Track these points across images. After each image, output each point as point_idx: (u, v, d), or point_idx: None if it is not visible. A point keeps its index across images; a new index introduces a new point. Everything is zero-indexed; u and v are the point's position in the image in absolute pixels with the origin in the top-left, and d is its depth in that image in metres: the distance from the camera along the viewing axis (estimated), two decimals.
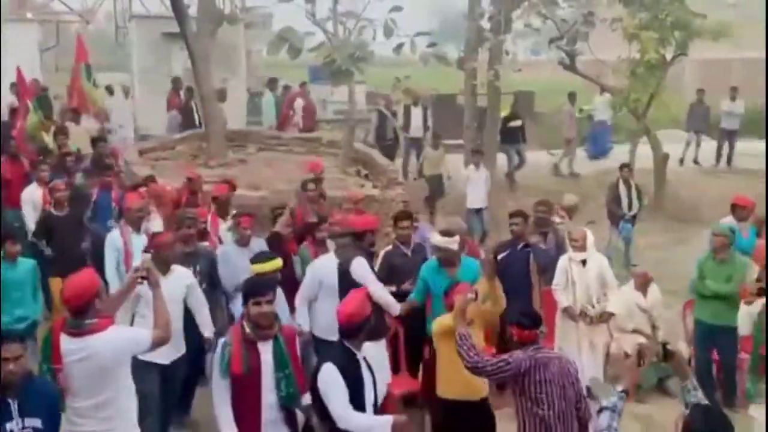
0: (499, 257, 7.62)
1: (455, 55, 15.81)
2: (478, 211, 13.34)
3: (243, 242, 7.49)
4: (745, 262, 7.84)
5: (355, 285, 6.25)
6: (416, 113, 16.30)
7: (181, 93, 17.09)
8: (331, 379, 4.60)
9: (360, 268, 6.70)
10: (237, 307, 6.61)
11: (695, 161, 17.74)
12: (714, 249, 7.78)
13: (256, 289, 5.00)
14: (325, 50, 12.59)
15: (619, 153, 15.62)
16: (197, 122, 15.73)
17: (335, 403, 4.56)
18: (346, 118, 15.09)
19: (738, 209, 9.17)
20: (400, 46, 12.84)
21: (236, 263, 7.20)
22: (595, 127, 18.80)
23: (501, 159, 16.09)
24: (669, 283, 9.42)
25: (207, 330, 6.56)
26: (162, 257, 6.20)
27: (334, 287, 6.73)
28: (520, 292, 7.41)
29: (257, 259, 6.59)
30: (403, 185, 13.36)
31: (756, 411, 6.08)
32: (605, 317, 7.75)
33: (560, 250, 8.26)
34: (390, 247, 7.79)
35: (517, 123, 16.10)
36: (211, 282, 7.22)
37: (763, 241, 9.51)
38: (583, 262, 7.75)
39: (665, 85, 15.39)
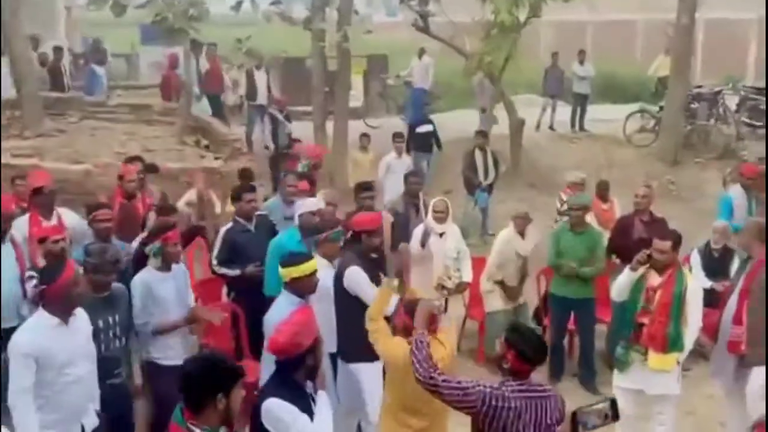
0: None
1: (302, 15, 15.53)
2: None
3: (167, 266, 6.03)
4: (600, 232, 8.23)
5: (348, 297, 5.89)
6: (260, 77, 15.93)
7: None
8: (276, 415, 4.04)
9: (353, 280, 5.88)
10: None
11: (551, 127, 18.29)
12: (572, 224, 7.99)
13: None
14: (155, 7, 12.07)
15: (473, 119, 15.88)
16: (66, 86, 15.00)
17: None
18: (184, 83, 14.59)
19: (745, 179, 9.40)
20: (239, 4, 12.52)
21: (161, 295, 5.92)
22: (415, 93, 18.57)
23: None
24: None
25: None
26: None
27: (330, 295, 6.01)
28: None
29: (292, 260, 5.53)
30: (248, 156, 13.08)
31: (622, 381, 6.26)
32: (462, 288, 7.90)
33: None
34: (230, 224, 7.52)
35: (428, 128, 14.51)
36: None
37: (607, 205, 10.03)
38: (441, 234, 7.85)
39: (520, 49, 15.71)
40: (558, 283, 7.98)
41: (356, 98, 18.67)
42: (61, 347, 4.65)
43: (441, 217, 7.94)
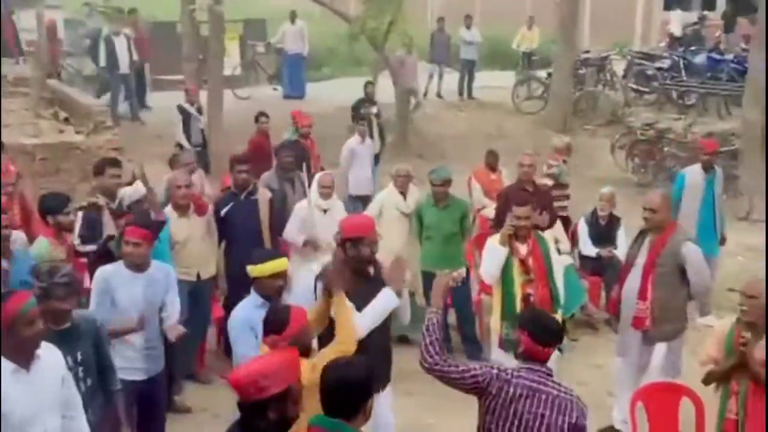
0: (222, 212, 7.37)
1: None
2: (364, 199, 10.64)
3: (137, 264, 5.39)
4: (466, 203, 8.35)
5: None
6: (121, 44, 15.07)
7: None
8: None
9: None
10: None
11: (438, 95, 18.34)
12: (435, 199, 7.95)
13: None
14: None
15: (359, 86, 15.73)
16: None
17: None
18: (35, 51, 13.81)
19: (703, 154, 9.16)
20: None
21: (121, 298, 5.32)
22: (289, 62, 18.25)
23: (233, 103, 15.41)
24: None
25: None
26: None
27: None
28: (253, 249, 7.15)
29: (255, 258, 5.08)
30: (113, 130, 12.49)
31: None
32: None
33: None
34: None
35: (372, 110, 13.31)
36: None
37: (495, 175, 10.06)
38: (325, 211, 7.73)
39: (405, 13, 15.57)
40: (426, 258, 7.95)
41: (231, 66, 18.07)
42: (20, 400, 3.77)
43: (326, 192, 7.76)
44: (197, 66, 14.97)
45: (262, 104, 16.61)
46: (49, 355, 3.97)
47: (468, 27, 18.19)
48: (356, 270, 4.96)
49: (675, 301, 6.24)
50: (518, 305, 6.22)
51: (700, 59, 17.31)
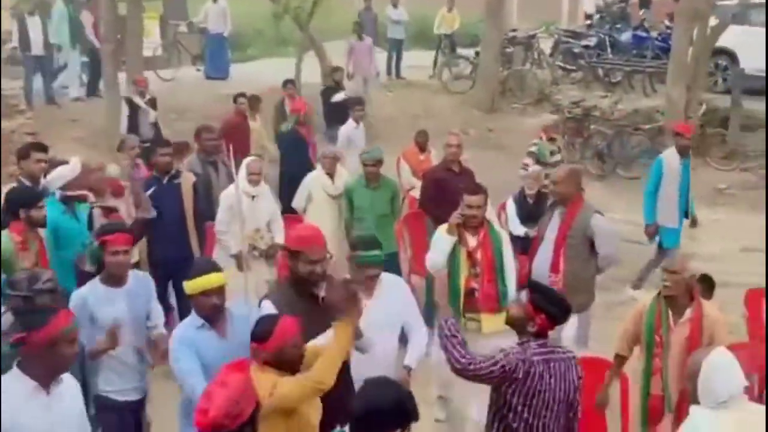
0: (148, 193, 7.30)
1: None
2: None
3: (115, 279, 4.91)
4: (396, 183, 8.43)
5: None
6: (35, 24, 14.51)
7: None
8: None
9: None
10: None
11: None
12: (366, 179, 8.00)
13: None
14: None
15: (286, 67, 15.67)
16: None
17: None
18: None
19: (679, 138, 9.15)
20: None
21: (102, 318, 4.80)
22: (211, 42, 17.96)
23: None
24: None
25: None
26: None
27: None
28: (177, 234, 7.21)
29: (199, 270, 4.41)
30: (27, 114, 12.28)
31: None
32: (274, 250, 7.79)
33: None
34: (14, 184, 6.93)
35: (340, 97, 13.23)
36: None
37: (424, 156, 10.18)
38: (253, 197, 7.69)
39: None
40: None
41: (152, 47, 17.77)
42: (34, 420, 3.43)
43: (255, 179, 7.73)
44: (114, 47, 14.68)
45: (185, 85, 16.61)
46: (70, 381, 3.70)
47: (395, 6, 18.26)
48: (297, 290, 4.28)
49: (585, 273, 6.43)
50: (461, 300, 6.02)
51: (625, 37, 17.74)
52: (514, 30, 19.14)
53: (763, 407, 4.08)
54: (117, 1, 14.88)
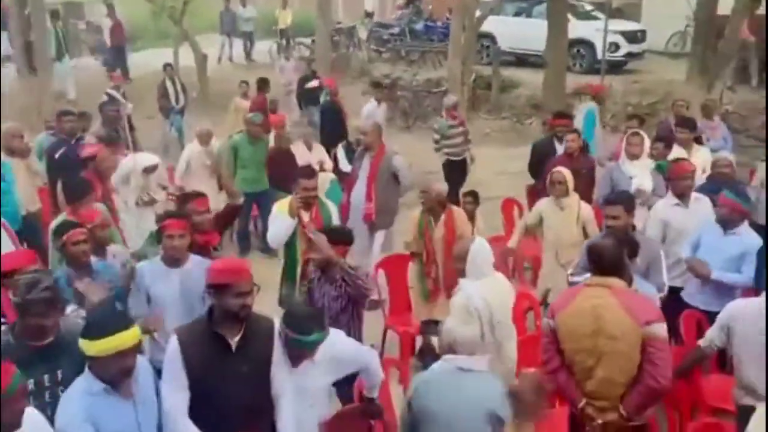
0: (56, 155, 6.77)
1: None
2: None
3: (172, 260, 4.12)
4: (267, 139, 8.12)
5: None
6: None
7: None
8: None
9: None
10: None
11: (230, 59, 17.87)
12: (251, 135, 7.82)
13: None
14: None
15: (164, 55, 14.93)
16: None
17: None
18: None
19: (597, 95, 9.45)
20: None
21: (162, 294, 4.03)
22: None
23: None
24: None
25: None
26: None
27: None
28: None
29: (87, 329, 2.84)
30: None
31: None
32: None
33: None
34: None
35: (314, 83, 12.04)
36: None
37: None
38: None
39: None
40: (242, 182, 7.74)
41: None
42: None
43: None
44: (23, 45, 13.54)
45: (85, 73, 15.57)
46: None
47: (244, 5, 17.77)
48: (218, 328, 3.08)
49: (390, 200, 6.52)
50: (299, 270, 5.16)
51: (419, 26, 17.91)
52: (339, 23, 19.00)
53: (502, 275, 4.39)
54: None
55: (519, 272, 6.68)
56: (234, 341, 3.03)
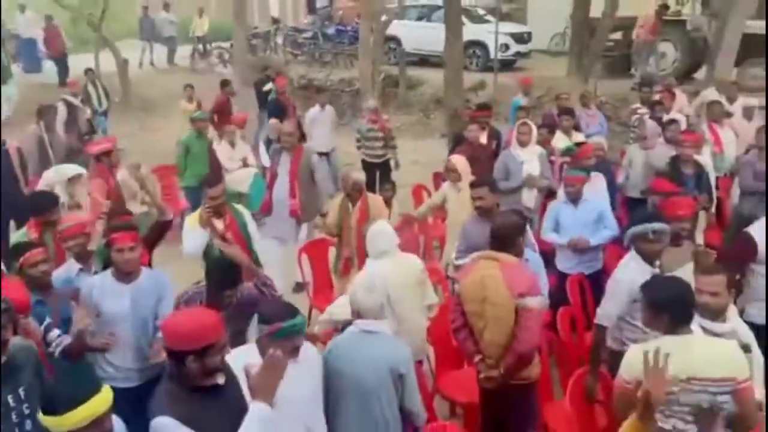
0: None
1: None
2: (327, 155, 9.07)
3: (123, 274, 3.64)
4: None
5: None
6: None
7: None
8: None
9: None
10: None
11: (151, 63, 17.22)
12: (199, 132, 7.68)
13: None
14: None
15: (85, 61, 14.24)
16: None
17: None
18: None
19: (525, 87, 9.58)
20: None
21: (112, 311, 3.56)
22: (24, 45, 15.86)
23: None
24: (138, 158, 8.14)
25: None
26: None
27: None
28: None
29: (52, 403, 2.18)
30: None
31: None
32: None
33: None
34: None
35: (270, 86, 11.21)
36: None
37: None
38: None
39: (117, 2, 14.30)
40: (192, 178, 7.45)
41: None
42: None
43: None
44: None
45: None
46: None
47: (167, 10, 17.15)
48: (201, 387, 2.42)
49: (312, 195, 6.42)
50: None
51: (331, 30, 17.82)
52: (255, 27, 18.66)
53: (412, 255, 4.45)
54: None
55: (429, 250, 6.86)
56: (220, 382, 2.46)
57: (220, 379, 2.45)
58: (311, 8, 20.55)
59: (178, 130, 9.76)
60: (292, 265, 6.20)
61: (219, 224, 4.78)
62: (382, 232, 4.23)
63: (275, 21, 19.86)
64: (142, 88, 15.12)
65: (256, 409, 2.24)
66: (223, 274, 3.53)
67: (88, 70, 11.57)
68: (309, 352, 3.00)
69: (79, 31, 16.58)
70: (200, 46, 17.62)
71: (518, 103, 9.13)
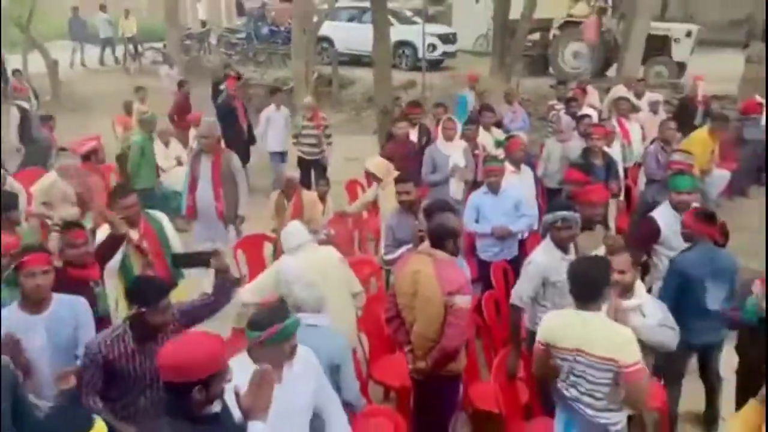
0: None
1: None
2: (282, 154, 8.93)
3: (33, 304, 3.10)
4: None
5: None
6: None
7: None
8: None
9: None
10: None
11: (82, 64, 16.50)
12: (146, 130, 7.38)
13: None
14: None
15: (14, 62, 13.46)
16: None
17: None
18: None
19: (471, 83, 9.41)
20: None
21: (26, 347, 3.00)
22: None
23: None
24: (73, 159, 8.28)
25: None
26: None
27: None
28: None
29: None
30: None
31: None
32: None
33: None
34: None
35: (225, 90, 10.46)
36: None
37: None
38: None
39: (46, 3, 13.61)
40: (145, 179, 7.20)
41: None
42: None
43: None
44: None
45: None
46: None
47: (104, 11, 16.45)
48: (202, 417, 2.21)
49: (235, 197, 5.98)
50: None
51: (264, 31, 17.52)
52: (189, 28, 18.13)
53: (329, 248, 4.32)
54: None
55: (363, 243, 6.83)
56: (218, 409, 2.26)
57: (218, 407, 2.22)
58: (240, 11, 20.16)
59: (111, 131, 9.35)
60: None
61: (134, 234, 4.34)
62: (292, 231, 4.18)
63: (203, 24, 19.35)
64: (74, 88, 14.45)
65: (255, 430, 2.12)
66: (147, 290, 2.98)
67: (15, 71, 10.97)
68: (301, 351, 2.77)
69: (7, 33, 15.63)
70: (131, 47, 16.97)
71: (465, 98, 9.15)
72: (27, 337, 3.02)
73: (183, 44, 16.33)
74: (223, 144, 6.65)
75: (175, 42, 15.47)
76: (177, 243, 4.58)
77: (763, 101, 8.80)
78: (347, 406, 3.15)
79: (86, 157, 5.78)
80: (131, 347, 2.92)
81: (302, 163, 8.29)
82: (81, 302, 3.27)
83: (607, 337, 2.91)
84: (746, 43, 12.46)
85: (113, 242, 4.01)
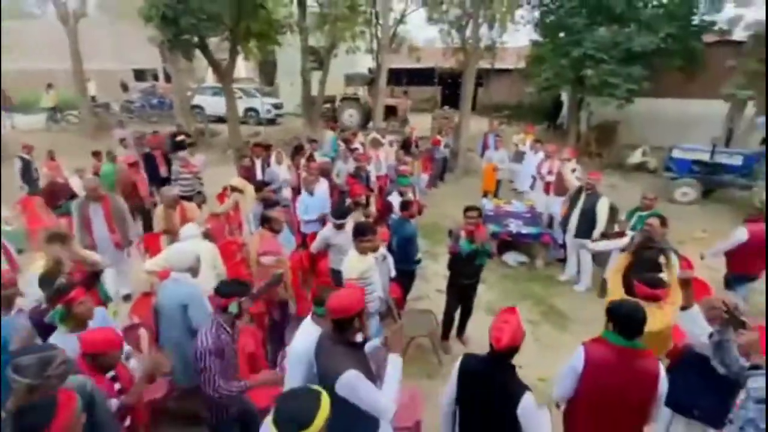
0: None
1: None
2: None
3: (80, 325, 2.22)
4: None
5: None
6: None
7: None
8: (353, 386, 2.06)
9: (350, 387, 2.09)
10: None
11: (12, 126, 13.79)
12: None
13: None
14: None
15: None
16: None
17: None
18: None
19: (333, 129, 8.60)
20: None
21: None
22: None
23: None
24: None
25: None
26: None
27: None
28: None
29: None
30: None
31: None
32: None
33: None
34: None
35: (181, 137, 8.57)
36: None
37: None
38: None
39: None
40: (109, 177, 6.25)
41: None
42: None
43: None
44: None
45: None
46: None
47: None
48: (353, 343, 2.13)
49: (125, 228, 4.92)
50: None
51: (155, 101, 15.85)
52: (93, 98, 15.85)
53: (207, 242, 3.89)
54: None
55: (231, 232, 6.34)
56: (360, 339, 2.24)
57: (360, 337, 2.24)
58: (125, 89, 18.45)
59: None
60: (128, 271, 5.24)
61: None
62: (187, 228, 3.99)
63: (93, 98, 17.01)
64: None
65: (395, 358, 2.20)
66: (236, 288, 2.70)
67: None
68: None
69: None
70: (55, 114, 14.62)
71: (335, 138, 9.19)
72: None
73: (93, 111, 14.53)
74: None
75: (87, 109, 13.84)
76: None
77: (442, 139, 10.74)
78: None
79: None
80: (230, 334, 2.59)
81: (182, 198, 7.41)
82: (26, 321, 2.54)
83: None
84: (433, 109, 15.05)
85: (94, 276, 3.22)
